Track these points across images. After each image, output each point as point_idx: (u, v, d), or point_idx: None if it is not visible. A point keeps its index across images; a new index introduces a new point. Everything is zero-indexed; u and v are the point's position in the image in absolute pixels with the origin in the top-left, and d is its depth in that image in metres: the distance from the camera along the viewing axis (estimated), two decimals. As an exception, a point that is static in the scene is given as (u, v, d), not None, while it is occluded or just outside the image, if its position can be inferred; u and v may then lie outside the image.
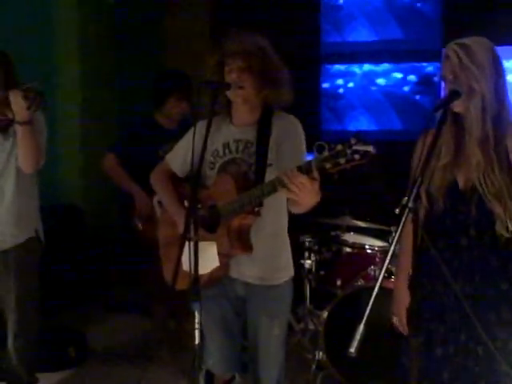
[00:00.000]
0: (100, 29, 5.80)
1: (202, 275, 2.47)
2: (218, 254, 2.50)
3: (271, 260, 2.61)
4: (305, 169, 2.07)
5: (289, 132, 2.56)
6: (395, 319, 2.46)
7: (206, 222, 2.50)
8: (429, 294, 2.33)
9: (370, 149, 1.92)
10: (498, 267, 2.27)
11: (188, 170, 2.66)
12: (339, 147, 1.96)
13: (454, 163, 2.29)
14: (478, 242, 2.26)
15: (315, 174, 2.05)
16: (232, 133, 2.60)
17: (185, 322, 4.25)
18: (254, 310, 2.63)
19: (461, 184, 2.28)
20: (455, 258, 2.29)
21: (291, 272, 2.70)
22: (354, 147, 1.93)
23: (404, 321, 2.36)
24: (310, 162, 2.06)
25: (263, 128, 2.55)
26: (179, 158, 2.73)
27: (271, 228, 2.58)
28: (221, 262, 2.52)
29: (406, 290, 2.36)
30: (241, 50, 2.49)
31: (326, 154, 1.99)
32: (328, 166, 1.99)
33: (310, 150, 2.36)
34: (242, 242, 2.48)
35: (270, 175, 2.45)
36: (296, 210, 2.36)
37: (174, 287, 2.24)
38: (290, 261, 2.71)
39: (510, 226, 2.20)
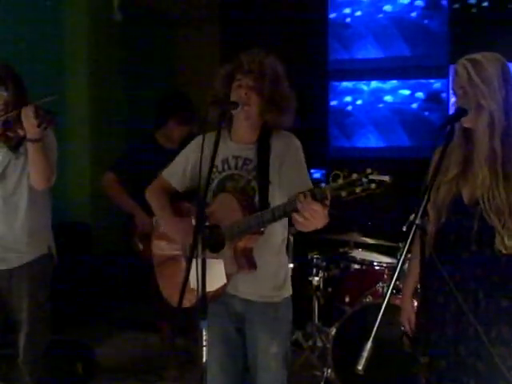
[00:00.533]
0: (109, 48, 5.86)
1: (208, 292, 2.48)
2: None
3: (271, 277, 2.60)
4: (319, 196, 2.07)
5: (289, 150, 2.57)
6: (405, 324, 2.53)
7: (209, 242, 2.48)
8: (431, 307, 2.33)
9: (387, 179, 1.92)
10: (498, 284, 2.27)
11: (187, 183, 2.68)
12: (355, 176, 1.96)
13: (461, 177, 2.30)
14: (479, 256, 2.27)
15: (328, 201, 2.06)
16: (231, 149, 2.61)
17: (191, 339, 4.26)
18: (253, 327, 2.61)
19: (466, 198, 2.29)
20: (457, 271, 2.29)
21: (290, 290, 2.69)
22: (370, 177, 1.93)
23: (408, 327, 2.49)
24: (324, 189, 2.05)
25: (263, 146, 2.56)
26: (178, 172, 2.71)
27: (272, 246, 2.59)
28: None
29: (411, 301, 2.47)
30: (255, 69, 2.50)
31: (341, 182, 1.99)
32: (344, 194, 1.99)
33: (316, 166, 2.38)
34: (248, 261, 2.47)
35: (271, 193, 2.47)
36: (302, 229, 2.35)
37: (180, 305, 2.23)
38: (289, 278, 2.70)
39: (506, 242, 2.20)
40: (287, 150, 2.56)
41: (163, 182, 2.76)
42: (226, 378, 2.65)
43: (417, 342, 2.39)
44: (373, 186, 1.93)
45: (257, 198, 2.50)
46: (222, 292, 2.55)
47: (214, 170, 2.56)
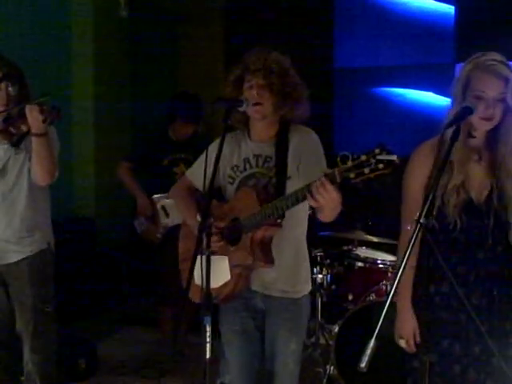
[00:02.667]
0: (115, 44, 5.87)
1: (224, 288, 2.49)
2: (241, 266, 2.50)
3: (292, 273, 2.61)
4: (328, 178, 2.09)
5: (307, 144, 2.58)
6: (402, 342, 2.41)
7: (229, 235, 2.52)
8: (442, 313, 2.33)
9: (395, 158, 1.93)
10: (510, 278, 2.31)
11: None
12: (363, 157, 1.97)
13: (467, 182, 2.29)
14: (493, 253, 2.28)
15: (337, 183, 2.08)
16: (251, 148, 2.63)
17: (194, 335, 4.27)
18: (273, 323, 2.62)
19: (475, 199, 2.29)
20: (471, 272, 2.29)
21: (310, 286, 2.71)
22: (378, 157, 1.94)
23: (412, 341, 2.38)
24: (333, 171, 2.06)
25: (281, 142, 2.58)
26: (200, 172, 2.69)
27: (292, 240, 2.60)
28: (242, 274, 2.53)
29: (410, 310, 2.38)
30: (263, 67, 2.51)
31: (349, 163, 2.01)
32: (352, 175, 2.00)
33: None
34: (265, 254, 2.47)
35: (289, 188, 2.47)
36: (323, 219, 2.39)
37: (189, 300, 2.25)
38: (309, 274, 2.73)
39: None
40: (305, 145, 2.57)
41: (187, 181, 2.80)
42: (245, 375, 2.67)
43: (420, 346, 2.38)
44: (381, 166, 1.94)
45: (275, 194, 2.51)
46: (243, 289, 2.56)
47: (236, 169, 2.59)
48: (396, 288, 1.83)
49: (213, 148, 2.55)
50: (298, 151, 2.55)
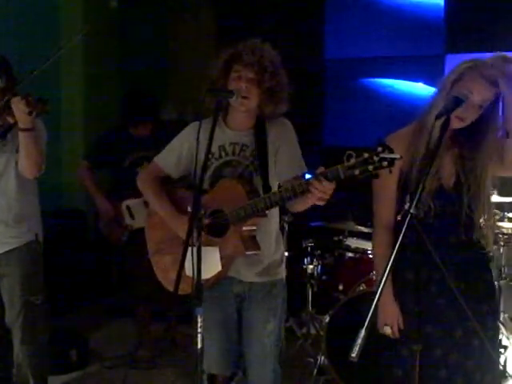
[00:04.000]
0: (105, 34, 5.83)
1: (208, 279, 2.49)
2: (228, 256, 2.52)
3: (270, 256, 2.66)
4: (331, 176, 2.12)
5: (284, 135, 2.63)
6: (387, 328, 2.43)
7: (213, 228, 2.51)
8: (423, 298, 2.33)
9: (397, 156, 1.98)
10: (485, 261, 2.42)
11: (182, 170, 2.69)
12: (366, 155, 2.01)
13: (438, 167, 2.33)
14: (467, 238, 2.34)
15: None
16: (228, 136, 2.63)
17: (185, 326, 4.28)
18: (250, 306, 2.65)
19: (445, 185, 2.35)
20: (446, 256, 2.32)
21: (285, 271, 2.76)
22: (382, 155, 1.98)
23: (396, 328, 2.41)
24: (337, 169, 2.09)
25: (259, 132, 2.60)
26: (172, 159, 2.70)
27: (270, 226, 2.65)
28: (225, 263, 2.54)
29: (392, 296, 2.41)
30: (257, 62, 2.51)
31: (353, 161, 2.04)
32: (357, 172, 2.04)
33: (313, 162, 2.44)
34: (254, 242, 2.51)
35: (270, 177, 2.53)
36: (297, 210, 2.43)
37: (177, 292, 2.25)
38: (284, 258, 2.77)
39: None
40: (282, 134, 2.62)
41: (157, 168, 2.74)
42: (224, 363, 2.70)
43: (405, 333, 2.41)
44: (385, 163, 1.99)
45: (259, 183, 2.54)
46: (222, 276, 2.57)
47: (210, 156, 2.57)
48: (385, 281, 1.84)
49: (188, 134, 2.60)
50: (276, 142, 2.59)
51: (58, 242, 4.96)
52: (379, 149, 1.99)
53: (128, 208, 4.21)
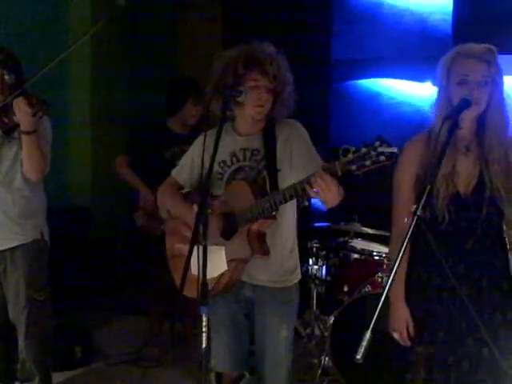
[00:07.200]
0: (112, 32, 5.83)
1: (222, 280, 2.50)
2: (237, 260, 2.52)
3: (283, 263, 2.64)
4: (329, 171, 2.11)
5: (294, 135, 2.61)
6: (396, 334, 2.43)
7: (223, 229, 2.52)
8: (435, 305, 2.34)
9: (395, 150, 1.97)
10: (501, 269, 2.33)
11: (195, 183, 2.71)
12: (364, 150, 2.00)
13: (455, 175, 2.30)
14: (482, 245, 2.30)
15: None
16: (238, 142, 2.63)
17: (191, 324, 4.28)
18: (262, 312, 2.64)
19: (462, 192, 2.31)
20: (460, 263, 2.30)
21: (299, 275, 2.74)
22: (379, 149, 1.97)
23: (406, 334, 2.39)
24: (334, 164, 2.08)
25: (268, 136, 2.60)
26: (186, 171, 2.75)
27: (283, 231, 2.62)
28: (238, 266, 2.54)
29: (403, 302, 2.38)
30: (273, 72, 2.51)
31: (351, 156, 2.03)
32: (354, 167, 2.03)
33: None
34: (262, 246, 2.49)
35: (280, 181, 2.50)
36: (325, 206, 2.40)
37: (182, 293, 2.25)
38: (298, 263, 2.74)
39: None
40: (293, 136, 2.60)
41: (173, 181, 2.80)
42: (232, 362, 2.69)
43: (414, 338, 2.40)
44: (382, 158, 1.98)
45: (268, 186, 2.53)
46: (235, 281, 2.57)
47: (223, 164, 2.59)
48: (392, 280, 1.83)
49: (197, 148, 2.63)
50: (288, 144, 2.58)
51: (63, 239, 4.97)
52: (377, 143, 1.97)
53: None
